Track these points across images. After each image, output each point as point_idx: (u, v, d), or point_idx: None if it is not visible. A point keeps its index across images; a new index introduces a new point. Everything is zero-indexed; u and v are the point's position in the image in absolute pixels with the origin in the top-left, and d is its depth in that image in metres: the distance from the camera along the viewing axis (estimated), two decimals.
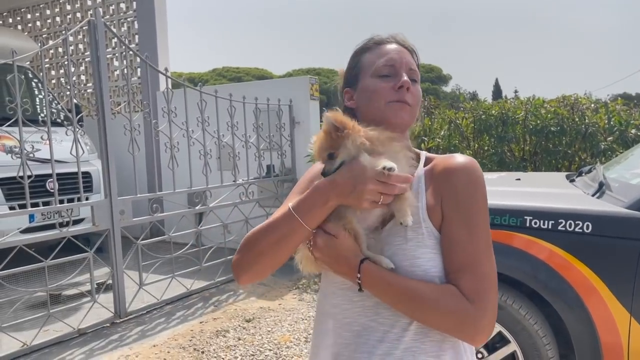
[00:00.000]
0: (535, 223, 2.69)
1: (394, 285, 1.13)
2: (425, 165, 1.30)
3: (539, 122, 6.31)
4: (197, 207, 5.37)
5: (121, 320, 4.44)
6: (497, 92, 61.69)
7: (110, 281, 4.49)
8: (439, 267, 1.17)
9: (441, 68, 56.95)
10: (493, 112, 6.67)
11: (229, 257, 5.45)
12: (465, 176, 1.21)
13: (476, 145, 6.94)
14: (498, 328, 2.74)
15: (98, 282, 4.52)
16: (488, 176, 4.20)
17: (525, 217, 2.71)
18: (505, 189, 3.43)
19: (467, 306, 1.11)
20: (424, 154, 1.35)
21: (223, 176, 5.63)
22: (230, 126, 5.42)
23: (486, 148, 6.78)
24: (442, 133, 7.01)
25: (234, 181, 5.62)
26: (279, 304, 4.87)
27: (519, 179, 3.80)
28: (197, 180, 5.17)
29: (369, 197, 1.12)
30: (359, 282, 1.15)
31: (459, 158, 1.24)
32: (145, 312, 4.66)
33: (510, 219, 2.75)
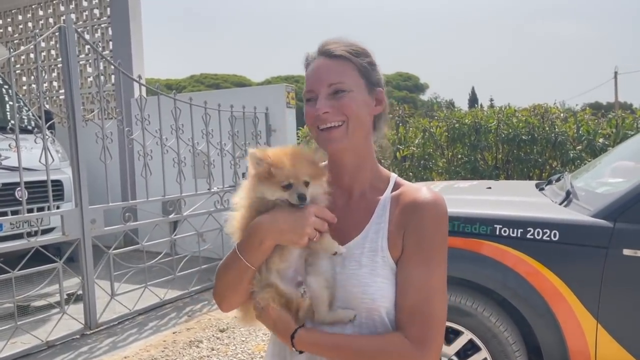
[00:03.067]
0: (505, 231, 2.73)
1: (332, 349, 1.15)
2: (393, 189, 1.28)
3: (510, 130, 6.43)
4: (171, 216, 5.32)
5: (92, 331, 4.35)
6: (472, 100, 62.57)
7: (80, 292, 4.40)
8: (389, 298, 1.18)
9: (418, 77, 57.58)
10: (466, 120, 6.77)
11: (203, 266, 5.40)
12: (432, 214, 1.20)
13: (450, 153, 7.03)
14: (469, 335, 2.77)
15: (68, 292, 4.42)
16: (460, 184, 4.26)
17: (495, 226, 2.75)
18: (476, 198, 3.48)
19: (412, 353, 1.13)
20: (393, 177, 1.32)
21: (198, 184, 5.58)
22: (205, 134, 5.39)
23: (460, 156, 6.88)
24: (417, 141, 7.09)
25: (208, 189, 5.58)
26: None
27: (490, 188, 3.85)
28: (171, 188, 5.13)
29: (310, 233, 1.14)
30: (297, 350, 1.17)
31: (428, 193, 1.23)
32: (116, 322, 4.58)
33: (480, 227, 2.78)
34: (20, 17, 8.57)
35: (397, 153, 6.94)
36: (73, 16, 7.90)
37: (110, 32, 7.72)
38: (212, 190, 5.60)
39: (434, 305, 1.16)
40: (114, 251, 4.55)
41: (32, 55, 8.38)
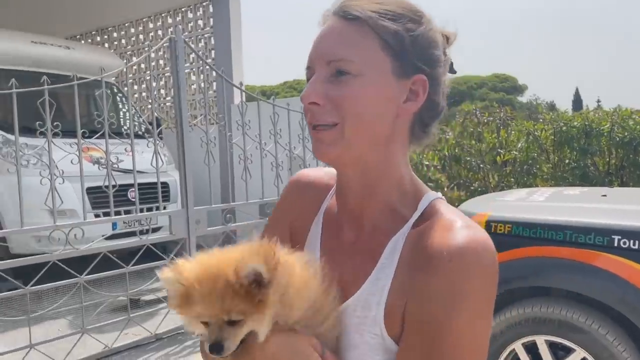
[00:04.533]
0: (624, 243, 2.51)
1: None
2: (417, 222, 0.83)
3: (626, 134, 5.93)
4: (268, 218, 5.44)
5: None
6: (577, 102, 58.83)
7: None
8: None
9: (516, 78, 55.11)
10: (575, 123, 6.35)
11: None
12: (453, 271, 0.73)
13: (556, 158, 6.63)
14: (582, 354, 2.57)
15: None
16: (570, 191, 3.99)
17: (613, 237, 2.53)
18: (590, 206, 3.23)
19: None
20: (427, 200, 0.85)
21: None
22: (302, 138, 5.48)
23: (567, 161, 6.46)
24: (519, 145, 6.75)
25: None
26: None
27: (605, 195, 3.57)
28: (269, 191, 5.25)
29: None
30: None
31: (460, 234, 0.75)
32: None
33: (596, 237, 2.58)
34: (132, 30, 9.22)
35: (498, 157, 6.64)
36: (180, 27, 8.39)
37: (212, 42, 8.10)
38: None
39: None
40: None
41: (142, 65, 8.99)
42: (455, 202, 5.79)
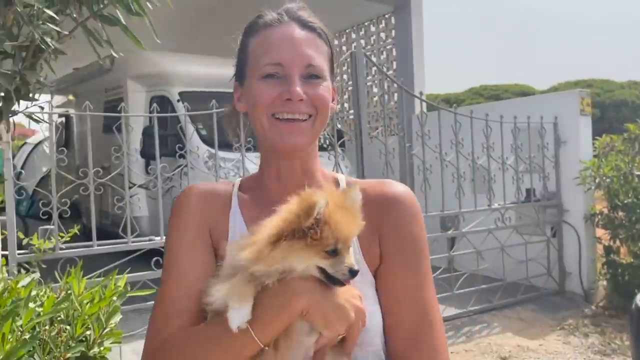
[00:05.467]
0: None
1: None
2: None
3: None
4: (449, 232, 5.24)
5: None
6: None
7: None
8: (380, 324, 0.95)
9: None
10: None
11: (482, 286, 5.16)
12: (409, 210, 1.01)
13: None
14: None
15: None
16: None
17: None
18: None
19: None
20: (342, 178, 1.10)
21: (477, 200, 5.38)
22: (486, 147, 5.17)
23: None
24: None
25: (488, 205, 5.32)
26: (540, 345, 4.37)
27: None
28: (449, 203, 5.06)
29: (351, 324, 0.88)
30: None
31: (399, 186, 1.04)
32: None
33: None
34: None
35: None
36: (362, 42, 8.63)
37: (394, 53, 8.15)
38: (493, 206, 5.32)
39: (436, 326, 0.94)
40: None
41: None
42: None
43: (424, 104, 5.08)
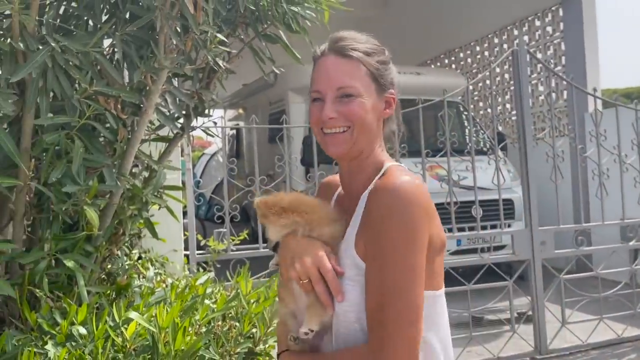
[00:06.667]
0: None
1: None
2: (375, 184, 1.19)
3: None
4: (631, 243, 4.67)
5: (541, 356, 4.22)
6: None
7: (530, 313, 4.35)
8: (356, 303, 1.11)
9: None
10: None
11: None
12: (386, 201, 1.08)
13: None
14: None
15: (518, 311, 4.44)
16: None
17: None
18: None
19: None
20: (385, 167, 1.22)
21: None
22: None
23: None
24: None
25: None
26: None
27: None
28: (630, 211, 4.50)
29: (299, 270, 1.14)
30: None
31: (395, 179, 1.12)
32: (567, 353, 4.29)
33: None
34: (477, 48, 9.35)
35: None
36: (526, 38, 8.09)
37: (562, 47, 7.51)
38: None
39: (387, 310, 1.05)
40: (565, 276, 4.32)
41: (487, 82, 9.01)
42: None
43: (599, 101, 4.61)
